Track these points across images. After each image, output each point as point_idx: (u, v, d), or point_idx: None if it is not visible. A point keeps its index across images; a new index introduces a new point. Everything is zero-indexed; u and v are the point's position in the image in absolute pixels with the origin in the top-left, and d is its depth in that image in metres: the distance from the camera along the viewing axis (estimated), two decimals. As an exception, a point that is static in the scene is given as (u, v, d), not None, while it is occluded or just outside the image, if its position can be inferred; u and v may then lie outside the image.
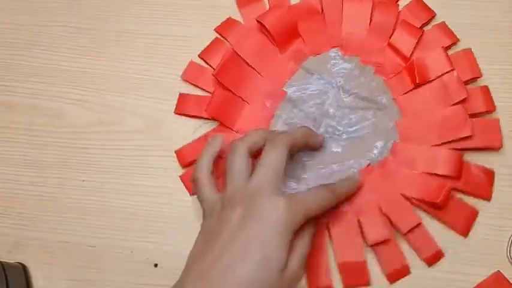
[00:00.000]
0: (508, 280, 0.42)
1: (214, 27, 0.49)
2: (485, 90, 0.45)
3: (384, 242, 0.42)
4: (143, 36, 0.50)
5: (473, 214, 0.43)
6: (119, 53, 0.49)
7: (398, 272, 0.42)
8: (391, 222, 0.43)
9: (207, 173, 0.40)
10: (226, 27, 0.49)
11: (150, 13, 0.50)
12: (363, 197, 0.43)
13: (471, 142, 0.44)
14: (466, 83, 0.45)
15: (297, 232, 0.37)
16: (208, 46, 0.48)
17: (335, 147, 0.45)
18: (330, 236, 0.43)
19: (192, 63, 0.48)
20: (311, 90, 0.47)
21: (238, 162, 0.39)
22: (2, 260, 0.43)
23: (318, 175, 0.44)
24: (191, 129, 0.47)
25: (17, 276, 0.43)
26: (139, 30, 0.50)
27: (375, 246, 0.42)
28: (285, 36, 0.47)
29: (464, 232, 0.43)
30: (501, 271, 0.42)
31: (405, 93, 0.46)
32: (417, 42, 0.46)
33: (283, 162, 0.38)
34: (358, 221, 0.43)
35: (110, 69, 0.49)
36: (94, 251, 0.45)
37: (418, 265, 0.43)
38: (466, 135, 0.43)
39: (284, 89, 0.47)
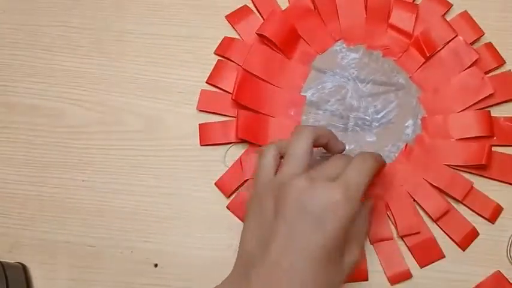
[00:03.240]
0: (508, 280, 0.42)
1: (214, 27, 0.49)
2: (490, 46, 0.46)
3: (445, 213, 0.43)
4: (143, 36, 0.49)
5: None
6: (119, 53, 0.49)
7: (469, 237, 0.43)
8: (444, 193, 0.43)
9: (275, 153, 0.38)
10: (225, 47, 0.48)
11: (150, 13, 0.50)
12: (411, 176, 0.44)
13: (493, 99, 0.45)
14: (471, 44, 0.46)
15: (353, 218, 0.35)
16: (213, 70, 0.47)
17: (369, 137, 0.45)
18: (392, 220, 0.44)
19: (203, 92, 0.47)
20: (329, 88, 0.47)
21: (301, 147, 0.37)
22: (2, 260, 0.43)
23: None
24: (191, 129, 0.47)
25: (17, 276, 0.43)
26: (139, 30, 0.50)
27: (438, 219, 0.43)
28: (288, 41, 0.47)
29: None
30: (501, 271, 0.42)
31: (418, 68, 0.46)
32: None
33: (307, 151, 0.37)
34: (414, 200, 0.43)
35: (110, 69, 0.49)
36: (94, 251, 0.45)
37: (417, 265, 0.43)
38: (488, 93, 0.44)
39: (302, 94, 0.47)
